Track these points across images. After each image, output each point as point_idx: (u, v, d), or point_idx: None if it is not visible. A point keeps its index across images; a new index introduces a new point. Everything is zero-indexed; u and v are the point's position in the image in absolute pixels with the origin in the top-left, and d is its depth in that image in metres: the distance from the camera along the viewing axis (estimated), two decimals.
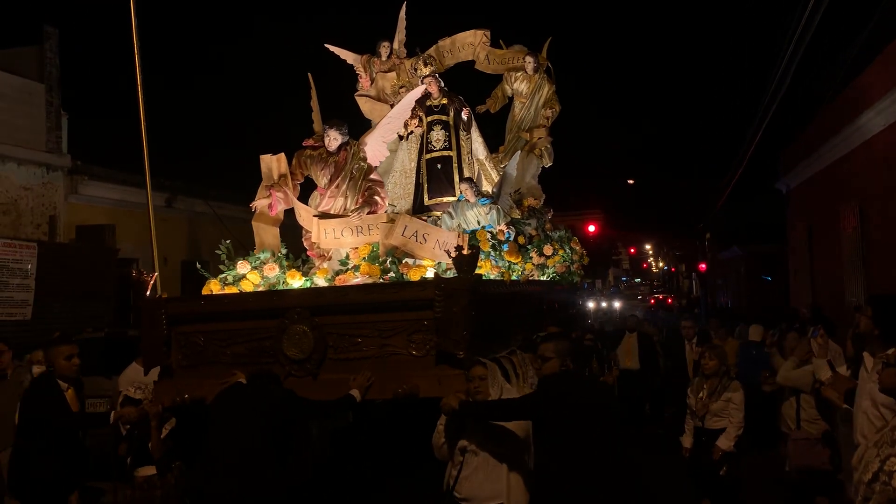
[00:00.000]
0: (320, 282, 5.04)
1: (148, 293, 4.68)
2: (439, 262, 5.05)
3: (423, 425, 4.51)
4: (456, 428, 4.16)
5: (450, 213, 6.67)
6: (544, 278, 6.73)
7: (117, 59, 11.80)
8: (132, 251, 11.92)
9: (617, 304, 26.52)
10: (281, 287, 5.02)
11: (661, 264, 50.46)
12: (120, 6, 5.55)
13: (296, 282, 4.98)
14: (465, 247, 4.45)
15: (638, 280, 48.96)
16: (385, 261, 4.89)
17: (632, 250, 49.89)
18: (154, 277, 4.67)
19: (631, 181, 30.53)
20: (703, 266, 25.44)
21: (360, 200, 5.16)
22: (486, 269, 5.38)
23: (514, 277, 5.88)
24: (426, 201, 7.14)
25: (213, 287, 5.01)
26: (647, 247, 51.05)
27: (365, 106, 7.60)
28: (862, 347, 4.62)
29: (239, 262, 5.00)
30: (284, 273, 5.00)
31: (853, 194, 11.27)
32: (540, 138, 7.48)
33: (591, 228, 26.56)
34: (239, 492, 3.83)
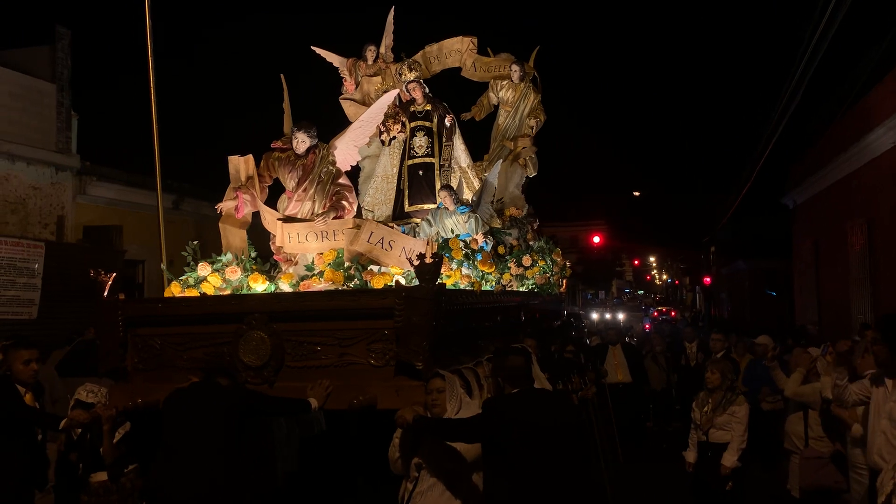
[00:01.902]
0: (285, 287, 4.94)
1: (106, 294, 4.59)
2: (409, 271, 4.94)
3: (387, 436, 4.42)
4: (411, 442, 4.05)
5: (428, 221, 6.57)
6: (523, 289, 6.61)
7: (128, 60, 11.86)
8: (139, 252, 11.96)
9: (621, 316, 26.33)
10: (245, 291, 4.92)
11: (664, 277, 50.07)
12: (132, 9, 5.55)
13: (259, 285, 4.88)
14: (429, 255, 4.33)
15: (641, 292, 48.62)
16: (349, 267, 4.78)
17: (636, 262, 49.55)
18: (112, 278, 4.59)
19: (636, 193, 30.33)
20: (707, 279, 25.17)
21: (328, 205, 5.06)
22: (456, 278, 5.26)
23: (487, 287, 5.76)
24: (406, 208, 7.04)
25: (174, 289, 4.92)
26: (651, 259, 50.63)
27: (349, 110, 7.52)
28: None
29: (200, 264, 4.91)
30: (247, 276, 4.90)
31: (861, 211, 11.13)
32: (524, 148, 7.37)
33: (596, 239, 26.43)
34: (199, 492, 3.73)
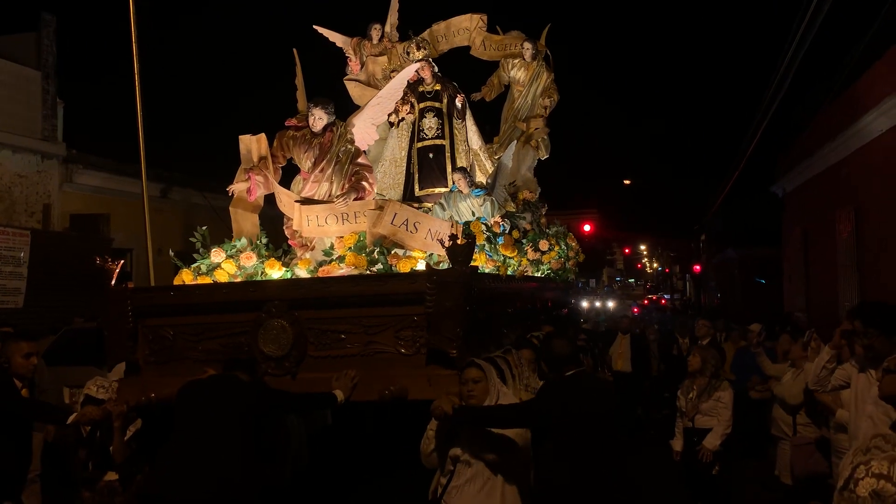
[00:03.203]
0: (302, 273, 4.67)
1: (113, 282, 4.29)
2: (431, 254, 4.70)
3: (409, 427, 4.19)
4: (447, 434, 3.83)
5: (441, 205, 6.33)
6: (538, 274, 6.40)
7: (114, 47, 11.66)
8: (126, 241, 11.82)
9: (611, 304, 26.33)
10: (259, 278, 4.65)
11: (655, 265, 50.30)
12: None
13: (275, 272, 4.60)
14: (460, 236, 4.08)
15: (632, 280, 48.83)
16: (373, 251, 4.52)
17: (626, 250, 49.76)
18: (119, 265, 4.29)
19: (627, 181, 30.24)
20: (697, 267, 25.21)
21: (347, 185, 4.78)
22: (481, 262, 5.03)
23: (509, 272, 5.55)
24: (417, 192, 6.81)
25: (186, 277, 4.63)
26: (642, 247, 50.82)
27: (354, 91, 7.24)
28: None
29: (213, 251, 4.61)
30: (263, 263, 4.62)
31: (848, 199, 11.14)
32: (537, 129, 7.13)
33: (587, 228, 26.29)
34: (207, 495, 3.48)
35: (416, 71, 7.01)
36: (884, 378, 3.42)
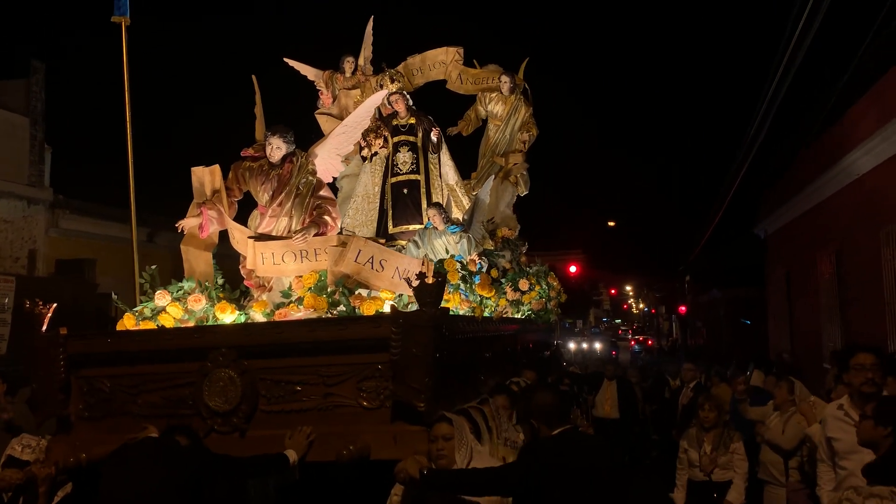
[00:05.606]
0: (258, 317, 4.26)
1: (44, 328, 3.85)
2: (400, 295, 4.31)
3: (382, 485, 3.76)
4: (414, 499, 3.39)
5: (415, 242, 5.98)
6: (518, 315, 6.03)
7: (102, 93, 11.61)
8: (113, 286, 11.44)
9: (598, 345, 26.00)
10: (211, 322, 4.22)
11: (641, 306, 50.16)
12: (109, 44, 5.41)
13: (227, 316, 4.18)
14: (430, 275, 3.70)
15: (618, 321, 48.64)
16: (334, 292, 4.12)
17: (612, 291, 49.67)
18: (51, 309, 3.86)
19: (611, 223, 30.19)
20: (682, 308, 24.97)
21: (307, 220, 4.40)
22: (455, 303, 4.64)
23: (486, 314, 5.17)
24: (390, 229, 6.47)
25: (127, 322, 4.20)
26: (628, 288, 50.76)
27: (326, 125, 6.94)
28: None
29: (157, 293, 4.19)
30: (213, 306, 4.20)
31: (830, 240, 11.09)
32: (515, 164, 6.85)
33: (573, 269, 26.12)
34: None
35: (391, 104, 6.75)
36: (861, 424, 3.33)
